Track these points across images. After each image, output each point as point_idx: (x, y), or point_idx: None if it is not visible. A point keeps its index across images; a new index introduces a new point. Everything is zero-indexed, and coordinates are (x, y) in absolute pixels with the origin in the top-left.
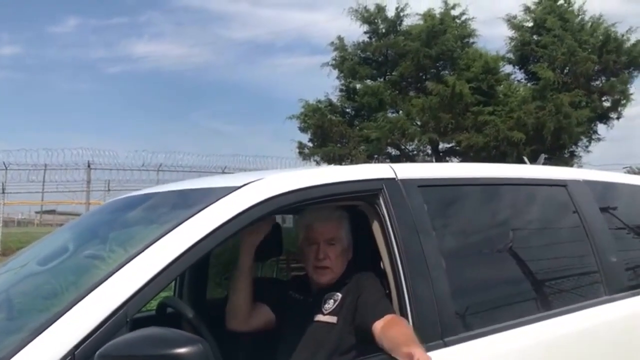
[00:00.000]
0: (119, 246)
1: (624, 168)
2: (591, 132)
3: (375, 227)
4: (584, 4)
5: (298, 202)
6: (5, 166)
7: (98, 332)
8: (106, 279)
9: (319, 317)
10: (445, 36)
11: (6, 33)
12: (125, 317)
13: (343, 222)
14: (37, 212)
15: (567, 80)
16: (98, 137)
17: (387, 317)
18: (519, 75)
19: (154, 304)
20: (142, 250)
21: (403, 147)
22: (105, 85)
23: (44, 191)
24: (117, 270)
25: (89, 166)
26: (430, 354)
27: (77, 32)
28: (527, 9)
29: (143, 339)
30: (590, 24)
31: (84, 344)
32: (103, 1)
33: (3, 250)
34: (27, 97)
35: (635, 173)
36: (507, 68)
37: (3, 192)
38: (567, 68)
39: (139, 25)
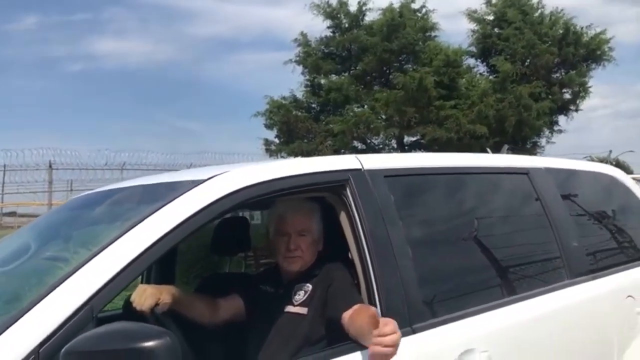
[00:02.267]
0: (82, 244)
1: (584, 157)
2: (552, 123)
3: (343, 217)
4: None
5: (265, 195)
6: None
7: (63, 329)
8: (70, 275)
9: (289, 309)
10: (405, 30)
11: None
12: (92, 314)
13: (314, 213)
14: None
15: (527, 72)
16: (60, 136)
17: (356, 306)
18: (481, 68)
19: (120, 303)
20: (107, 246)
21: (369, 141)
22: (67, 84)
23: (3, 193)
24: (81, 266)
25: (50, 166)
26: None
27: (36, 29)
28: (488, 2)
29: (109, 334)
30: (549, 17)
31: (49, 342)
32: None
33: None
34: None
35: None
36: (470, 61)
37: None
38: (528, 60)
39: (102, 22)
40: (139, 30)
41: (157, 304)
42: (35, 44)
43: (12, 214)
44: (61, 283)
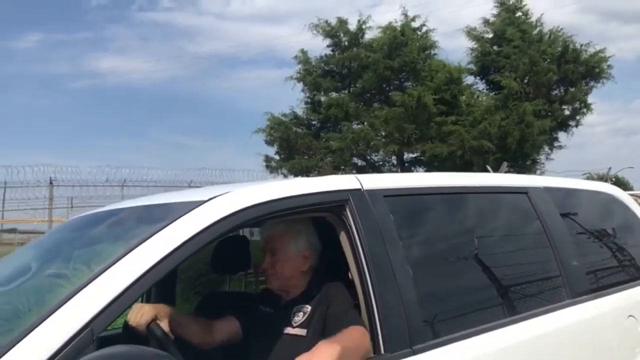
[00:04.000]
0: (83, 264)
1: (583, 174)
2: (552, 140)
3: (343, 237)
4: (541, 16)
5: (265, 215)
6: None
7: (64, 351)
8: (71, 297)
9: (288, 330)
10: (406, 48)
11: None
12: (92, 336)
13: (292, 232)
14: None
15: (529, 90)
16: (60, 153)
17: (349, 328)
18: (481, 85)
19: (120, 322)
20: (108, 267)
21: (369, 157)
22: (68, 101)
23: (4, 209)
24: (82, 288)
25: (51, 183)
26: None
27: (39, 47)
28: (486, 22)
29: (110, 357)
30: (549, 35)
31: None
32: (67, 16)
33: None
34: None
35: (594, 179)
36: (469, 79)
37: None
38: (528, 78)
39: (104, 40)
40: (141, 48)
41: (153, 321)
42: (37, 62)
43: (13, 230)
44: (62, 305)
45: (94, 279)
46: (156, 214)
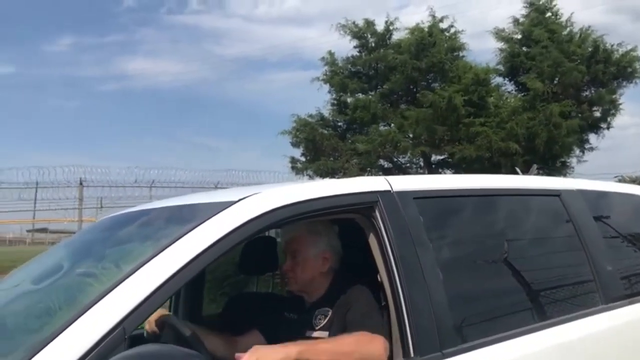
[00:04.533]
0: (114, 264)
1: (615, 177)
2: (582, 141)
3: (372, 239)
4: (571, 16)
5: (294, 216)
6: None
7: (96, 350)
8: (103, 296)
9: (310, 334)
10: (434, 48)
11: (0, 53)
12: (124, 335)
13: (310, 234)
14: (28, 231)
15: (557, 90)
16: (90, 154)
17: (359, 333)
18: (509, 86)
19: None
20: (139, 267)
21: (395, 159)
22: (98, 103)
23: (35, 209)
24: (114, 288)
25: (81, 183)
26: None
27: (70, 50)
28: (515, 21)
29: (141, 356)
30: (579, 35)
31: None
32: (98, 20)
33: None
34: (20, 116)
35: (626, 181)
36: (497, 80)
37: None
38: (556, 79)
39: (133, 43)
40: (170, 51)
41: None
42: (68, 65)
43: (44, 230)
44: (94, 304)
45: (126, 278)
46: (186, 215)
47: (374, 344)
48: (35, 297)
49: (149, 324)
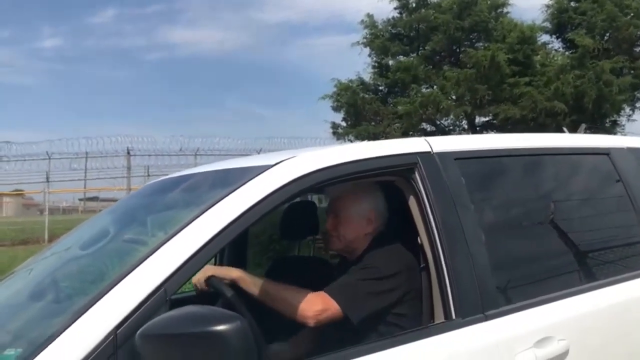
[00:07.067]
0: (156, 227)
1: None
2: (634, 100)
3: (412, 202)
4: None
5: (331, 179)
6: (48, 156)
7: (139, 311)
8: (145, 259)
9: None
10: (477, 7)
11: (48, 27)
12: (165, 296)
13: (355, 194)
14: (80, 200)
15: (608, 46)
16: (136, 123)
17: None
18: (556, 44)
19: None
20: (180, 230)
21: (438, 122)
22: (143, 73)
23: (86, 179)
24: (155, 250)
25: (128, 153)
26: (471, 327)
27: (115, 21)
28: None
29: (183, 317)
30: None
31: (126, 324)
32: None
33: (50, 237)
34: (68, 88)
35: None
36: (544, 37)
37: (47, 181)
38: (608, 34)
39: (175, 12)
40: (210, 19)
41: (212, 277)
42: (113, 36)
43: (95, 198)
44: (136, 267)
45: (167, 241)
46: (224, 179)
47: (310, 303)
48: (83, 262)
49: (199, 283)
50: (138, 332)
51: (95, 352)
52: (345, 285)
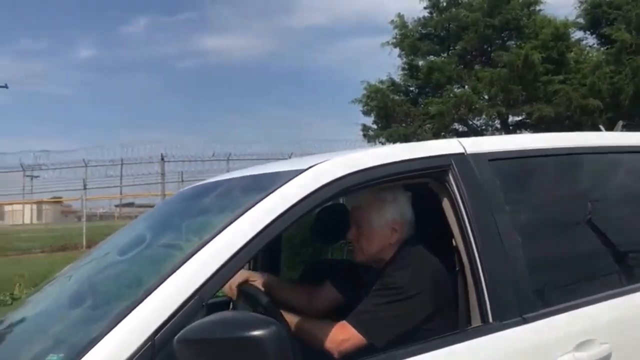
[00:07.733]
0: (191, 233)
1: None
2: None
3: (446, 204)
4: None
5: (364, 182)
6: (85, 163)
7: (176, 317)
8: (181, 265)
9: None
10: (508, 4)
11: (83, 37)
12: (201, 302)
13: (374, 203)
14: (116, 206)
15: None
16: (170, 130)
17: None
18: (591, 40)
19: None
20: (214, 236)
21: (470, 122)
22: (176, 80)
23: (122, 185)
24: (191, 257)
25: (162, 159)
26: (508, 331)
27: (147, 30)
28: None
29: (219, 323)
30: None
31: (163, 329)
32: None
33: (88, 243)
34: (103, 96)
35: None
36: (578, 34)
37: (85, 188)
38: None
39: (207, 20)
40: (241, 26)
41: (245, 282)
42: (145, 45)
43: (130, 204)
44: (173, 272)
45: (202, 247)
46: (256, 184)
47: (332, 334)
48: (121, 268)
49: (231, 290)
50: (175, 337)
51: (134, 358)
52: (365, 312)
